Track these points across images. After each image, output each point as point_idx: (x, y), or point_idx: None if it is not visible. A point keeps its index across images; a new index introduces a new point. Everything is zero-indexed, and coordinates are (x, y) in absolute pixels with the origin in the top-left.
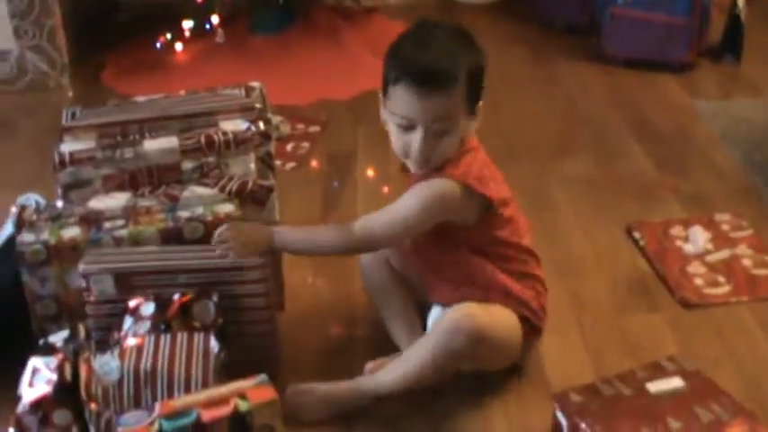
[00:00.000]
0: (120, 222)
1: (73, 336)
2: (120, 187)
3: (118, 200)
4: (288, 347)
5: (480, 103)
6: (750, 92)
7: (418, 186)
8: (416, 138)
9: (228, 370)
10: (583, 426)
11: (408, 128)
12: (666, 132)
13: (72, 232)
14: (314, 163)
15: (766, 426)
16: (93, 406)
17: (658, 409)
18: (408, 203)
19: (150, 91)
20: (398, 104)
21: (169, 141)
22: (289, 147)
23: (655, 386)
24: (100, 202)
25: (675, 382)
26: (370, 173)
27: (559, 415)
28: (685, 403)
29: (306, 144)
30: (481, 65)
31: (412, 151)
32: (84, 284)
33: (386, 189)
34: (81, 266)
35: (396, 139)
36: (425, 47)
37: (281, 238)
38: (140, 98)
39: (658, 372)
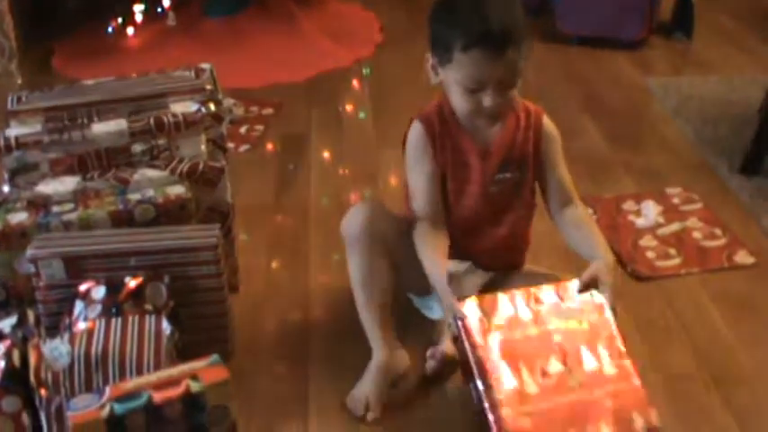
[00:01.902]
0: (70, 206)
1: (21, 322)
2: (69, 171)
3: (66, 184)
4: (241, 328)
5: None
6: (700, 69)
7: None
8: (488, 97)
9: (182, 352)
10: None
11: (477, 90)
12: (619, 109)
13: (20, 217)
14: (268, 145)
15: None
16: (42, 392)
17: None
18: None
19: (101, 75)
20: (469, 70)
21: (118, 124)
22: (242, 129)
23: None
24: (48, 187)
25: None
26: (324, 155)
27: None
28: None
29: (259, 126)
30: (525, 10)
31: (485, 109)
32: (32, 269)
33: (340, 171)
34: (29, 251)
35: (463, 100)
36: (486, 8)
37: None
38: (88, 81)
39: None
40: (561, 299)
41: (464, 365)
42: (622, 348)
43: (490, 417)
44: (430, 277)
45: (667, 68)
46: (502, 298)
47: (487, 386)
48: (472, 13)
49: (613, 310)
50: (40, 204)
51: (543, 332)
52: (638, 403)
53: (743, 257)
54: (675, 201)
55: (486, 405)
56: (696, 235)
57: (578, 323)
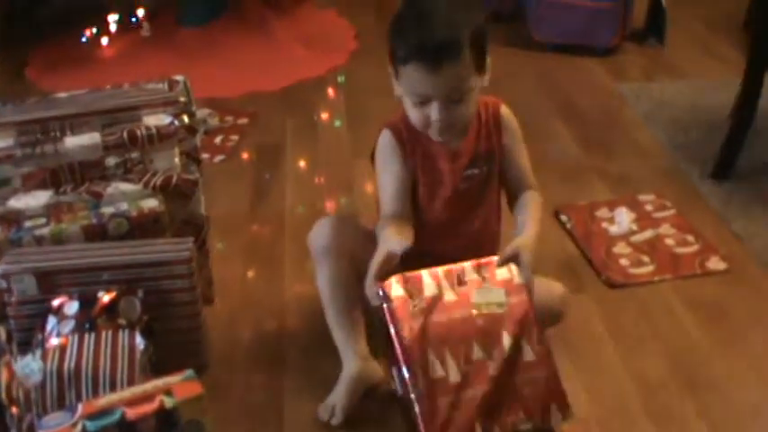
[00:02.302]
0: (42, 221)
1: None
2: (42, 185)
3: (39, 198)
4: (216, 340)
5: (488, 58)
6: (673, 75)
7: None
8: (434, 110)
9: (156, 366)
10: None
11: (424, 102)
12: (592, 115)
13: None
14: (243, 155)
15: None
16: (14, 410)
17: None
18: None
19: (76, 86)
20: (411, 82)
21: (91, 137)
22: (217, 139)
23: (478, 296)
24: (20, 201)
25: (498, 296)
26: (300, 164)
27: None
28: (493, 327)
29: (235, 137)
30: (482, 23)
31: (432, 122)
32: (4, 285)
33: (315, 180)
34: (1, 267)
35: (414, 114)
36: (427, 21)
37: None
38: (61, 94)
39: (487, 275)
40: (483, 279)
41: (388, 349)
42: (541, 334)
43: (416, 406)
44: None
45: (640, 74)
46: (426, 276)
47: (412, 373)
48: (412, 27)
49: (528, 289)
50: (11, 219)
51: (467, 316)
52: (556, 393)
53: (715, 263)
54: (648, 208)
55: (413, 395)
56: (669, 242)
57: (499, 306)
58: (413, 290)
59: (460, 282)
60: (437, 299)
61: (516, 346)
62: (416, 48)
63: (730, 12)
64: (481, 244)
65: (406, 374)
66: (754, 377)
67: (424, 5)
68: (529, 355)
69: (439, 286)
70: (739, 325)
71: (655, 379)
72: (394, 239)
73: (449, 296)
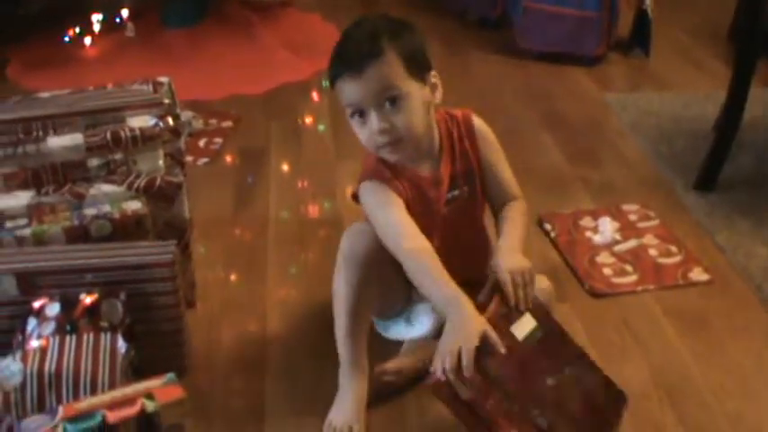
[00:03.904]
0: (23, 221)
1: None
2: (23, 185)
3: (20, 198)
4: (198, 345)
5: (432, 72)
6: (658, 85)
7: None
8: (372, 121)
9: (137, 369)
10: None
11: (362, 113)
12: (577, 124)
13: None
14: (227, 158)
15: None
16: None
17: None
18: None
19: (58, 86)
20: (343, 96)
21: (74, 138)
22: (201, 142)
23: (518, 331)
24: (1, 202)
25: (530, 323)
26: (284, 167)
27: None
28: (554, 350)
29: (218, 139)
30: (410, 35)
31: (375, 134)
32: None
33: (299, 184)
34: None
35: (361, 135)
36: (346, 39)
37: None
38: (44, 93)
39: (507, 308)
40: (508, 314)
41: (468, 416)
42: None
43: None
44: (436, 297)
45: (625, 84)
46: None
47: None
48: (336, 47)
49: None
50: None
51: (527, 356)
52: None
53: (698, 274)
54: (632, 217)
55: None
56: (652, 252)
57: (537, 330)
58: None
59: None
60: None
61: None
62: (339, 60)
63: (715, 23)
64: (475, 262)
65: None
66: (735, 387)
67: (350, 27)
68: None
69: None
70: (721, 336)
71: (636, 388)
72: (477, 319)
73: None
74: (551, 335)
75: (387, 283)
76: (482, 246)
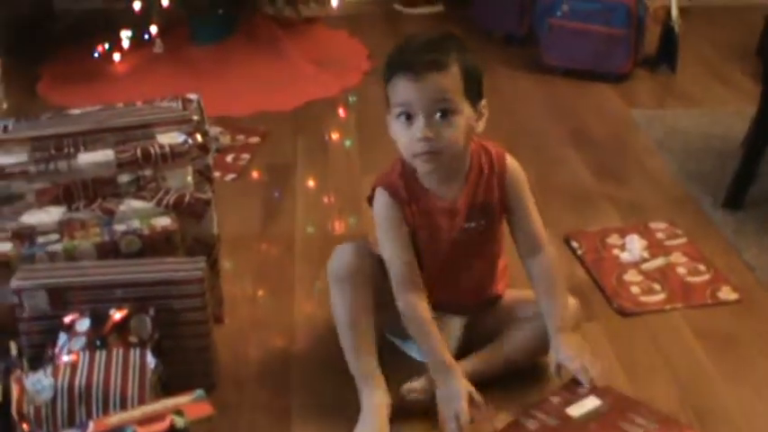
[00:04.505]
0: (55, 237)
1: (4, 354)
2: (55, 201)
3: (52, 214)
4: (226, 361)
5: (483, 101)
6: (685, 102)
7: None
8: (418, 125)
9: (166, 385)
10: None
11: (410, 117)
12: (604, 141)
13: (4, 247)
14: (254, 174)
15: (690, 427)
16: (24, 426)
17: None
18: None
19: (87, 102)
20: (397, 94)
21: (105, 154)
22: (229, 158)
23: (575, 410)
24: (33, 217)
25: (593, 402)
26: (310, 183)
27: None
28: (610, 421)
29: (246, 155)
30: (473, 60)
31: (417, 140)
32: (16, 301)
33: (325, 199)
34: (13, 282)
35: (402, 138)
36: (413, 43)
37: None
38: (75, 110)
39: (571, 394)
40: (566, 397)
41: None
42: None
43: None
44: (428, 362)
45: (652, 101)
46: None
47: None
48: (398, 50)
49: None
50: (24, 235)
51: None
52: None
53: (726, 293)
54: (660, 235)
55: None
56: (680, 270)
57: (598, 408)
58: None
59: (552, 407)
60: (541, 428)
61: (638, 428)
62: (402, 60)
63: (743, 39)
64: (481, 290)
65: None
66: (765, 408)
67: (412, 36)
68: (652, 426)
69: (536, 419)
70: (749, 355)
71: (665, 408)
72: (461, 381)
73: (551, 422)
74: (616, 408)
75: (383, 295)
76: (490, 272)
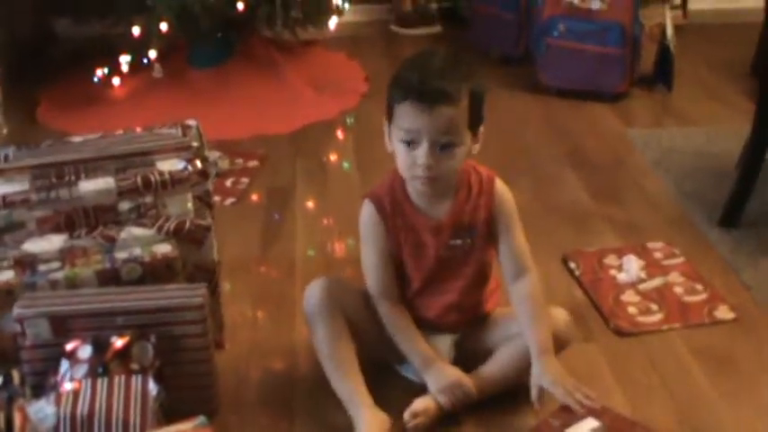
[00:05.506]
0: (56, 265)
1: (7, 382)
2: (56, 229)
3: (53, 242)
4: (227, 386)
5: (481, 127)
6: (681, 120)
7: None
8: (422, 153)
9: (168, 412)
10: None
11: (414, 143)
12: (600, 161)
13: (6, 276)
14: (253, 198)
15: None
16: None
17: None
18: None
19: (87, 127)
20: (405, 119)
21: (105, 182)
22: (228, 182)
23: None
24: (34, 245)
25: (591, 424)
26: (309, 206)
27: None
28: None
29: (245, 179)
30: (480, 86)
31: (418, 166)
32: (18, 329)
33: (325, 222)
34: (15, 310)
35: (402, 158)
36: (427, 67)
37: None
38: (75, 138)
39: (569, 416)
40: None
41: None
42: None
43: None
44: (414, 363)
45: (648, 120)
46: None
47: None
48: (412, 70)
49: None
50: (26, 263)
51: None
52: None
53: (724, 313)
54: (657, 255)
55: None
56: (678, 290)
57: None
58: None
59: (552, 430)
60: None
61: None
62: (416, 87)
63: (738, 58)
64: (467, 308)
65: None
66: (763, 427)
67: (425, 57)
68: None
69: None
70: (747, 375)
71: (663, 429)
72: (451, 367)
73: None
74: (614, 429)
75: (363, 326)
76: (475, 291)
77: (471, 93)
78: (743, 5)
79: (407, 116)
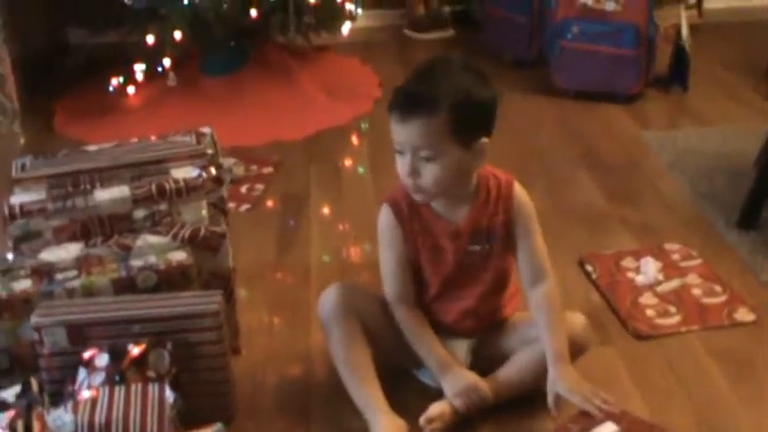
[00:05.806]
0: (73, 273)
1: (25, 390)
2: (72, 238)
3: (70, 251)
4: (244, 392)
5: (483, 139)
6: (697, 122)
7: None
8: (406, 162)
9: (185, 419)
10: None
11: (401, 153)
12: (616, 163)
13: (23, 285)
14: (268, 204)
15: None
16: None
17: None
18: None
19: (103, 136)
20: (392, 129)
21: (120, 191)
22: (243, 189)
23: None
24: (51, 254)
25: (610, 428)
26: (324, 211)
27: None
28: None
29: (260, 186)
30: (480, 100)
31: (405, 176)
32: (36, 337)
33: (340, 227)
34: (33, 319)
35: (398, 165)
36: (417, 77)
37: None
38: (91, 147)
39: (588, 421)
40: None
41: None
42: None
43: None
44: (430, 367)
45: (663, 121)
46: None
47: None
48: (405, 81)
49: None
50: (43, 272)
51: None
52: None
53: (743, 315)
54: (675, 257)
55: None
56: (696, 292)
57: None
58: None
59: None
60: None
61: None
62: (396, 96)
63: (753, 57)
64: (482, 312)
65: None
66: None
67: (429, 66)
68: None
69: None
70: (767, 377)
71: None
72: (465, 374)
73: None
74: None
75: (379, 331)
76: (494, 297)
77: (455, 105)
78: (759, 3)
79: (393, 126)
